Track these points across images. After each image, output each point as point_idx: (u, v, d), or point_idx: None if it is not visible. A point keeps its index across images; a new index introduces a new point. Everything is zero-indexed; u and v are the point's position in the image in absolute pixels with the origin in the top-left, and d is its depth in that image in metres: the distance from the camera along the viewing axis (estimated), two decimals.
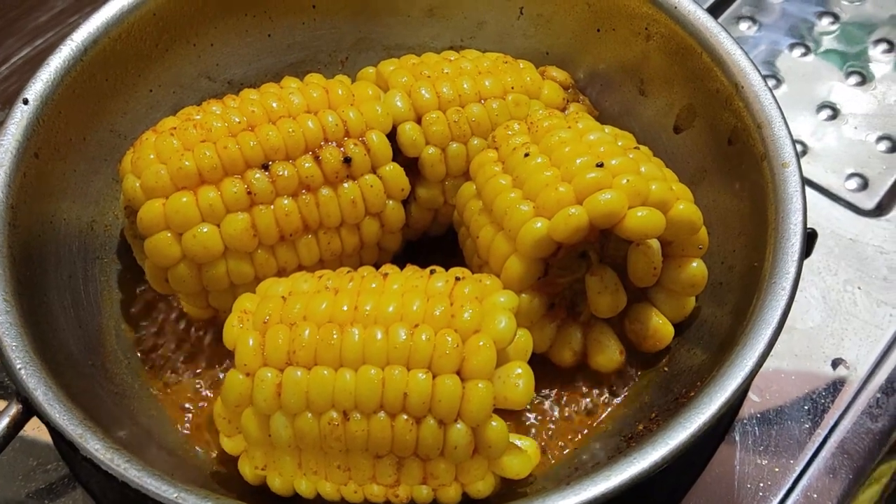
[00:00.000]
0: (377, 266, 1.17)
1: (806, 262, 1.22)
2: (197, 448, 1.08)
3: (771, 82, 1.59)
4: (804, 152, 1.51)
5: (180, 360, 1.16)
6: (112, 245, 1.22)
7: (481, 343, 0.93)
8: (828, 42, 1.65)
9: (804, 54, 1.64)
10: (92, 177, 1.20)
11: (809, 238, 1.20)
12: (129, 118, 1.24)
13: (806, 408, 1.28)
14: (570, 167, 1.04)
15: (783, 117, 1.10)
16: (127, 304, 1.19)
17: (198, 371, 1.16)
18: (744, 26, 1.68)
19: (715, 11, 1.68)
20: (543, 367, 1.10)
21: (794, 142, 1.08)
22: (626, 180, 1.02)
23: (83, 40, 1.16)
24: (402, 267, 1.19)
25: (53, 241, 1.13)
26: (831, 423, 1.27)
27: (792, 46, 1.65)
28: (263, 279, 1.08)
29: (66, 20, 1.70)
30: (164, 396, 1.13)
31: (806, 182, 1.43)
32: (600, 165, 1.03)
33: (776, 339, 0.96)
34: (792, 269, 1.00)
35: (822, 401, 1.29)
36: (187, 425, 1.11)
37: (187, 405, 1.13)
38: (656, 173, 1.06)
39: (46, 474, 1.16)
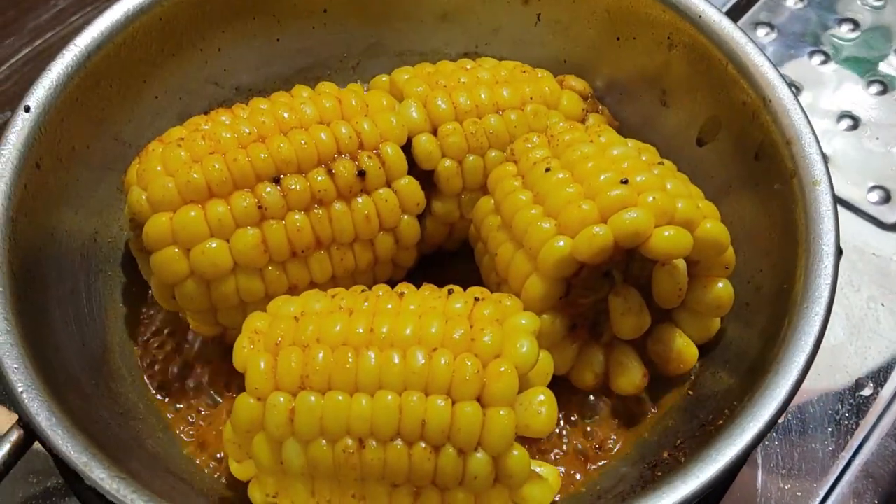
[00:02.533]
0: (390, 282, 1.13)
1: None
2: (205, 471, 1.04)
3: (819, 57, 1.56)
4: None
5: (187, 379, 1.12)
6: (116, 258, 1.18)
7: (503, 369, 0.90)
8: (848, 50, 1.61)
9: (824, 62, 1.60)
10: (95, 186, 1.16)
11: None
12: (134, 125, 1.20)
13: (829, 429, 1.25)
14: (594, 183, 1.00)
15: (814, 133, 1.06)
16: (131, 319, 1.15)
17: (206, 390, 1.12)
18: (761, 32, 1.64)
19: (731, 16, 1.64)
20: (561, 388, 1.06)
21: (825, 158, 1.04)
22: (651, 198, 0.98)
23: (87, 45, 1.12)
24: (414, 283, 1.16)
25: (55, 255, 1.08)
26: (856, 445, 1.23)
27: (811, 54, 1.61)
28: (274, 296, 1.05)
29: (66, 19, 1.66)
30: (171, 417, 1.09)
31: None
32: (625, 182, 0.99)
33: (810, 366, 0.93)
34: (825, 294, 0.96)
35: (846, 422, 1.25)
36: (195, 448, 1.07)
37: (195, 427, 1.09)
38: (682, 190, 1.02)
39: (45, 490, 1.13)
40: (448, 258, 1.22)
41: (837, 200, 1.40)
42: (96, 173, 1.16)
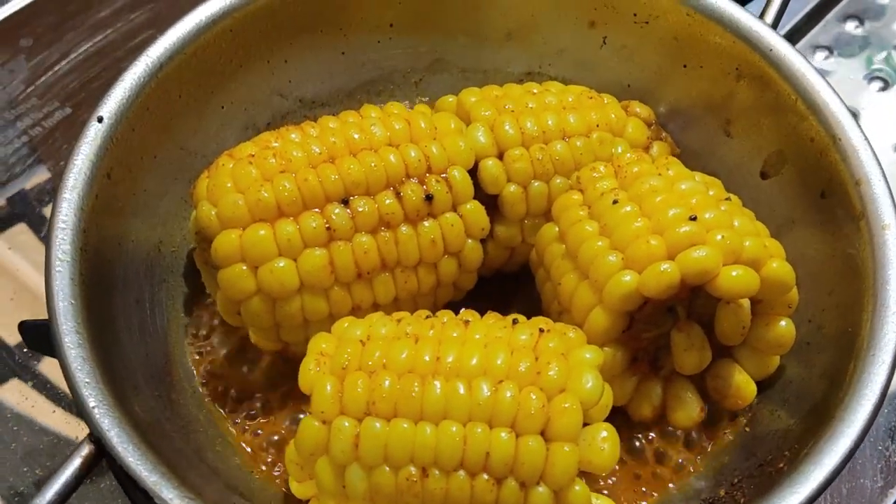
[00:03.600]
0: (450, 304, 1.14)
1: None
2: (264, 487, 1.05)
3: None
4: None
5: (246, 392, 1.13)
6: (178, 267, 1.19)
7: (567, 404, 0.90)
8: None
9: (882, 89, 1.59)
10: (161, 196, 1.17)
11: None
12: (200, 135, 1.21)
13: (879, 465, 1.24)
14: (662, 219, 1.01)
15: (884, 175, 1.05)
16: (192, 330, 1.17)
17: (264, 404, 1.12)
18: (819, 56, 1.63)
19: (791, 39, 1.63)
20: (614, 418, 1.06)
21: (895, 203, 1.04)
22: (720, 236, 0.98)
23: (159, 56, 1.13)
24: (471, 304, 1.17)
25: (121, 264, 1.09)
26: None
27: (870, 79, 1.60)
28: (337, 316, 1.06)
29: (126, 16, 1.66)
30: (230, 430, 1.10)
31: None
32: (693, 219, 0.99)
33: (877, 414, 0.92)
34: (893, 341, 0.95)
35: (895, 457, 1.25)
36: (253, 462, 1.08)
37: (253, 441, 1.10)
38: (749, 228, 1.02)
39: None
40: (503, 280, 1.22)
41: None
42: (163, 183, 1.17)
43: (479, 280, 1.20)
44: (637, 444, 1.10)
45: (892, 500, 1.22)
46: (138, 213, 1.13)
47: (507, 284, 1.22)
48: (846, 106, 1.10)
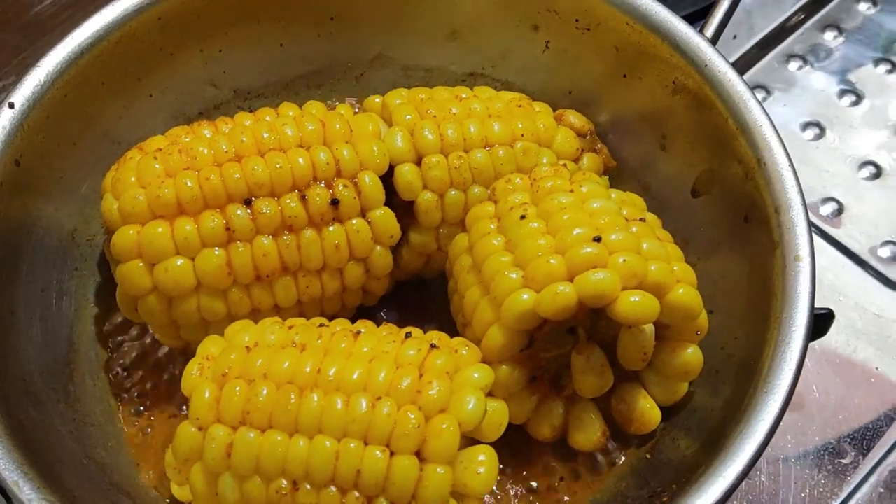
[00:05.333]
0: (361, 308, 1.12)
1: (823, 337, 1.16)
2: (150, 488, 1.04)
3: (850, 97, 1.51)
4: (839, 211, 1.43)
5: (150, 389, 1.12)
6: (94, 257, 1.17)
7: (444, 426, 0.88)
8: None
9: (890, 71, 1.54)
10: (79, 183, 1.15)
11: (825, 319, 1.14)
12: (126, 123, 1.19)
13: (803, 495, 1.22)
14: (566, 237, 0.98)
15: (803, 203, 1.02)
16: (102, 321, 1.15)
17: (167, 402, 1.11)
18: (829, 35, 1.58)
19: (803, 20, 1.60)
20: (514, 436, 1.04)
21: (811, 232, 1.00)
22: (622, 259, 0.95)
23: (80, 43, 1.12)
24: (390, 307, 1.15)
25: (28, 251, 1.08)
26: None
27: (877, 62, 1.55)
28: (237, 317, 1.04)
29: None
30: (126, 428, 1.09)
31: (836, 245, 1.38)
32: (597, 240, 0.97)
33: (761, 454, 0.90)
34: (788, 378, 0.92)
35: (822, 489, 1.22)
36: (144, 462, 1.07)
37: (147, 439, 1.08)
38: (658, 252, 0.99)
39: None
40: (427, 284, 1.20)
41: (846, 252, 1.39)
42: (82, 169, 1.15)
43: (400, 284, 1.18)
44: (534, 463, 1.08)
45: None
46: (52, 200, 1.12)
47: (426, 291, 1.19)
48: (775, 130, 1.07)
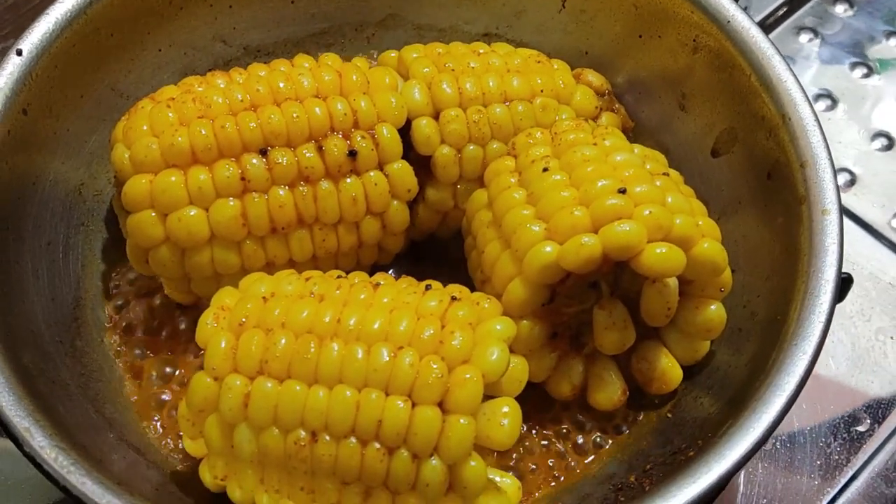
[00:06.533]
0: (376, 266, 1.10)
1: (838, 305, 1.14)
2: (161, 443, 1.02)
3: (825, 102, 1.49)
4: (852, 181, 1.41)
5: (157, 345, 1.09)
6: (101, 212, 1.15)
7: (468, 375, 0.86)
8: (893, 65, 1.53)
9: (866, 75, 1.53)
10: (86, 137, 1.13)
11: (844, 283, 1.11)
12: (133, 77, 1.17)
13: (818, 462, 1.20)
14: (590, 189, 0.96)
15: (830, 158, 1.00)
16: (109, 278, 1.12)
17: (175, 358, 1.09)
18: (804, 38, 1.57)
19: (779, 20, 1.58)
20: (533, 395, 1.02)
21: (837, 187, 0.99)
22: (648, 211, 0.93)
23: None
24: (403, 269, 1.12)
25: (34, 203, 1.06)
26: (843, 481, 1.19)
27: (854, 65, 1.54)
28: (250, 271, 1.02)
29: None
30: (134, 383, 1.06)
31: (849, 215, 1.37)
32: (622, 192, 0.95)
33: (790, 408, 0.88)
34: (817, 332, 0.91)
35: (837, 456, 1.21)
36: (152, 417, 1.04)
37: (156, 395, 1.06)
38: (683, 205, 0.97)
39: None
40: (442, 245, 1.17)
41: (860, 223, 1.38)
42: (89, 123, 1.13)
43: (414, 244, 1.16)
44: (553, 422, 1.06)
45: (827, 500, 1.17)
46: (59, 153, 1.09)
47: (441, 250, 1.17)
48: (800, 85, 1.05)
